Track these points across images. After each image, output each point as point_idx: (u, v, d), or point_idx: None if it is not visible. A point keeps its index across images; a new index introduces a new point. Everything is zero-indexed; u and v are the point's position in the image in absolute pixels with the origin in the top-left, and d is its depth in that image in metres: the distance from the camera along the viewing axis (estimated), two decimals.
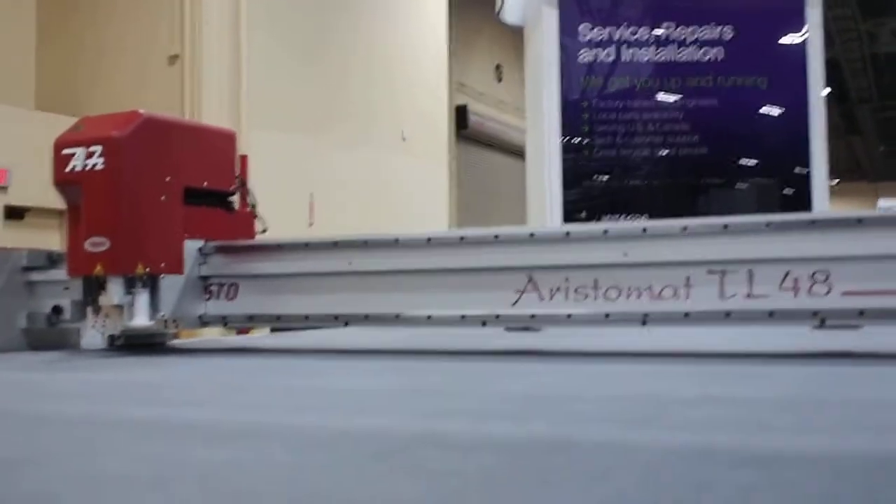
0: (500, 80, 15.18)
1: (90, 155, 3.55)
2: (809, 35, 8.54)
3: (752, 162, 8.60)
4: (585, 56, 8.39)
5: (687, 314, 3.13)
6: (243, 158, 8.78)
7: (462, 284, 3.34)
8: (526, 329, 3.40)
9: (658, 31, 8.49)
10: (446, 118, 11.64)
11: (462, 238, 3.37)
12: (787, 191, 8.51)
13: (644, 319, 3.18)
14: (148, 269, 3.57)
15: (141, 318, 3.55)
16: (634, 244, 3.18)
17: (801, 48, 8.57)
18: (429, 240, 3.39)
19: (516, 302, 3.29)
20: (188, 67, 8.15)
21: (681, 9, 8.52)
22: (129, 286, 3.55)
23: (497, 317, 3.31)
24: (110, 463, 1.49)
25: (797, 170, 8.34)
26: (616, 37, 8.43)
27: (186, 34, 8.14)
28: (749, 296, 3.09)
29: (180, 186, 3.77)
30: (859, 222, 2.99)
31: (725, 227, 3.11)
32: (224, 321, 3.82)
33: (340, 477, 1.35)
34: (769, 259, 3.07)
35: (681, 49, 8.53)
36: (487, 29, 12.09)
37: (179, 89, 8.15)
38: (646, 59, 8.47)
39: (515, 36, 9.52)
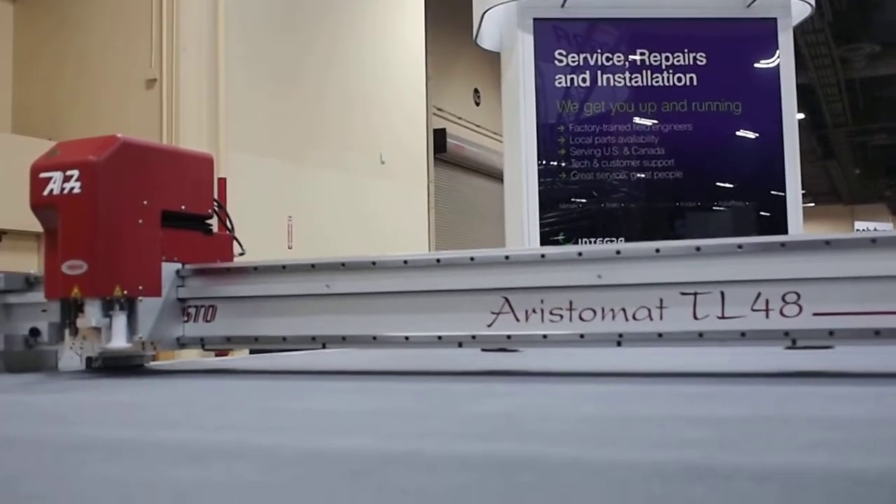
0: (478, 103, 15.22)
1: (67, 179, 3.55)
2: (782, 61, 8.60)
3: (727, 185, 8.63)
4: (561, 81, 8.41)
5: (660, 335, 3.15)
6: (221, 181, 8.79)
7: (439, 306, 3.34)
8: (502, 350, 3.41)
9: (633, 57, 8.53)
10: (424, 142, 11.67)
11: (439, 260, 3.38)
12: (763, 213, 8.54)
13: (619, 340, 3.19)
14: (125, 292, 3.57)
15: (118, 341, 3.53)
16: (608, 266, 3.20)
17: (774, 73, 8.62)
18: (405, 262, 3.40)
19: (492, 323, 3.30)
20: (166, 91, 8.14)
21: (655, 35, 8.56)
22: (107, 308, 3.54)
23: (473, 338, 3.31)
24: (78, 485, 1.48)
25: (772, 193, 8.42)
26: (591, 62, 8.46)
27: (164, 58, 8.14)
28: (721, 317, 3.11)
29: (158, 210, 3.77)
30: (827, 244, 3.01)
31: (698, 249, 3.13)
32: (202, 343, 3.81)
33: (311, 497, 1.35)
34: (741, 280, 3.09)
35: (655, 74, 8.57)
36: (465, 53, 12.19)
37: (158, 113, 8.14)
38: (621, 84, 8.50)
39: (493, 60, 9.56)
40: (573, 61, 8.43)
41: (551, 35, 8.43)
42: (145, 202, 3.71)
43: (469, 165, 14.55)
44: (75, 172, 3.54)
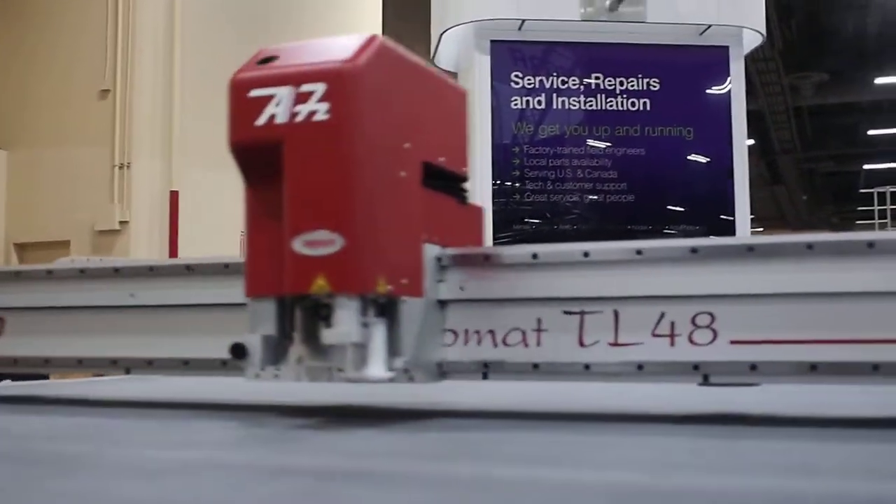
0: None
1: (302, 98, 1.99)
2: (733, 88, 7.85)
3: (678, 209, 7.86)
4: (517, 103, 7.61)
5: (536, 365, 2.14)
6: (174, 194, 7.83)
7: None
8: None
9: (588, 81, 7.74)
10: None
11: None
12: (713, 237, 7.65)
13: (484, 372, 2.18)
14: (390, 288, 2.03)
15: (377, 367, 1.99)
16: (472, 276, 2.20)
17: (725, 100, 7.86)
18: (227, 266, 2.39)
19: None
20: (119, 102, 7.20)
21: (610, 60, 7.80)
22: (362, 313, 2.00)
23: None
24: None
25: (722, 217, 7.67)
26: (547, 85, 7.66)
27: (119, 68, 7.21)
28: (614, 343, 2.11)
29: (419, 160, 2.19)
30: (751, 251, 2.02)
31: (586, 254, 2.14)
32: None
33: None
34: (640, 297, 2.09)
35: (610, 99, 7.79)
36: None
37: (111, 124, 7.19)
38: (576, 107, 7.72)
39: (450, 79, 8.64)
40: (529, 83, 7.66)
41: (508, 57, 7.66)
42: (407, 145, 2.15)
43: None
44: (318, 88, 1.98)
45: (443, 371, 2.19)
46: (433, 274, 2.18)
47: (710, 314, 2.04)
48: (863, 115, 19.85)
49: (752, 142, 16.59)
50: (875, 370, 1.89)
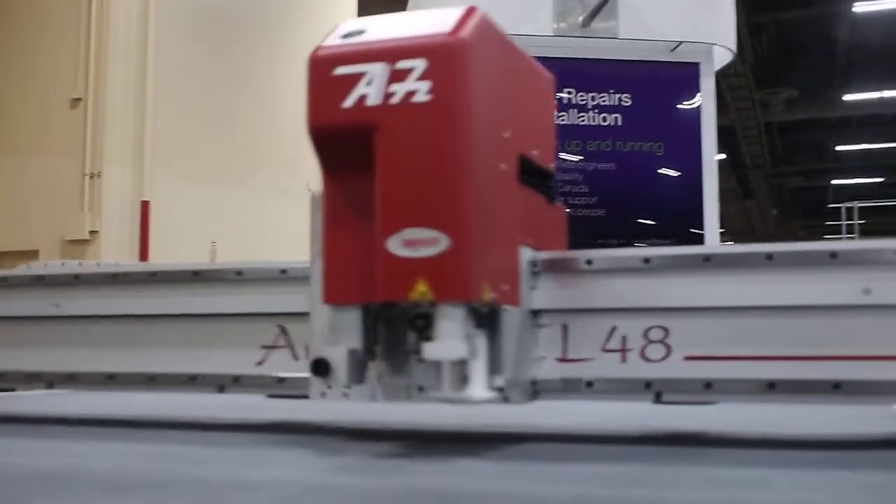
0: None
1: (399, 76, 1.68)
2: (703, 103, 7.69)
3: (649, 223, 7.72)
4: None
5: None
6: (145, 204, 7.61)
7: (194, 336, 2.16)
8: (294, 396, 2.20)
9: (560, 95, 7.60)
10: None
11: (196, 273, 2.19)
12: None
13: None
14: (494, 296, 1.75)
15: (479, 387, 1.69)
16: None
17: (695, 115, 7.72)
18: (154, 274, 2.20)
19: (263, 361, 2.11)
20: (91, 111, 6.98)
21: (582, 75, 7.66)
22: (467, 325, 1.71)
23: (236, 379, 2.12)
24: None
25: (692, 231, 7.54)
26: None
27: (91, 77, 6.99)
28: (562, 359, 1.94)
29: (517, 152, 1.91)
30: (707, 261, 1.86)
31: (534, 264, 1.96)
32: None
33: None
34: (589, 309, 1.92)
35: (581, 113, 7.65)
36: None
37: (82, 133, 6.97)
38: None
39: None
40: None
41: None
42: (507, 134, 1.85)
43: None
44: (417, 64, 1.68)
45: (536, 390, 1.93)
46: (527, 280, 1.92)
47: (664, 328, 1.88)
48: (831, 131, 19.83)
49: (723, 156, 16.53)
50: (835, 389, 1.72)
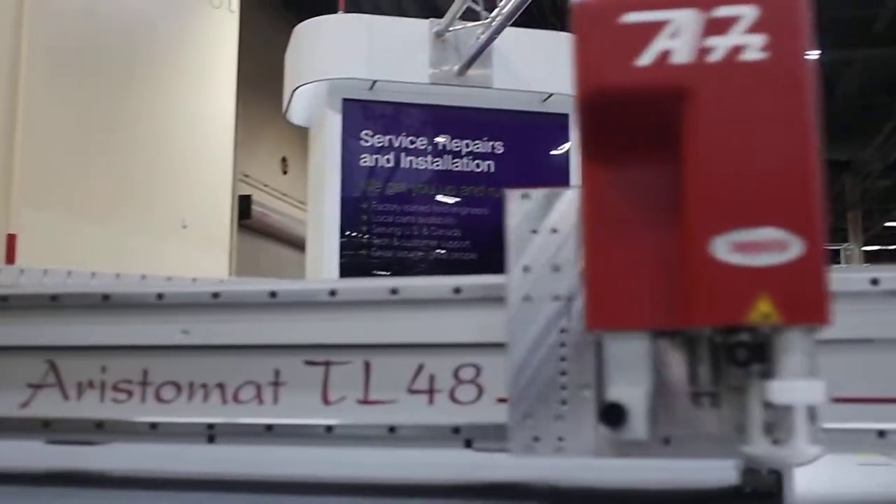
0: (285, 172, 13.39)
1: (717, 27, 1.23)
2: (573, 152, 7.63)
3: None
4: (367, 160, 7.27)
5: (270, 427, 1.64)
6: (11, 237, 7.01)
7: None
8: (81, 443, 1.82)
9: (436, 141, 7.44)
10: (229, 207, 9.90)
11: None
12: None
13: (210, 434, 1.66)
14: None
15: (805, 440, 1.22)
16: (199, 317, 1.69)
17: (565, 163, 7.65)
18: None
19: (28, 402, 1.74)
20: None
21: (457, 122, 7.53)
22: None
23: None
24: None
25: None
26: (396, 144, 7.35)
27: None
28: (364, 401, 1.63)
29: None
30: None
31: (333, 293, 1.66)
32: None
33: None
34: (395, 345, 1.63)
35: (456, 160, 7.50)
36: (276, 121, 10.01)
37: None
38: (423, 166, 7.43)
39: (302, 130, 8.22)
40: (379, 142, 7.35)
41: (359, 115, 7.34)
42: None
43: (273, 233, 12.60)
44: (744, 12, 1.22)
45: None
46: None
47: (476, 366, 1.59)
48: None
49: None
50: None
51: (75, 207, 7.41)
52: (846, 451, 1.50)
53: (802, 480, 1.50)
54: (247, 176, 11.88)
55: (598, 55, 1.26)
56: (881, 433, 1.51)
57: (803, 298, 1.18)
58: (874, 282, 1.52)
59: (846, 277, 1.26)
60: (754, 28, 1.22)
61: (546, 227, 1.50)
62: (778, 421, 1.21)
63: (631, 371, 1.29)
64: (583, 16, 1.28)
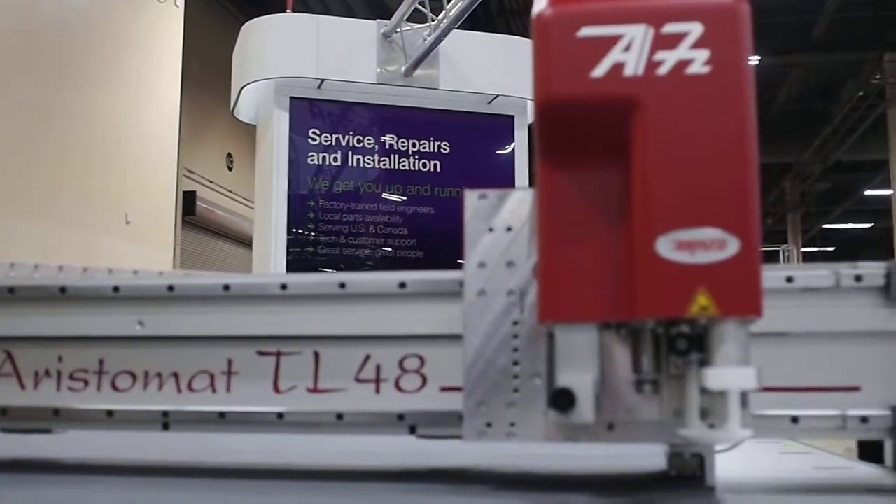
0: (230, 168, 13.27)
1: (665, 42, 1.33)
2: (517, 153, 7.79)
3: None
4: (314, 158, 7.32)
5: (222, 415, 1.71)
6: None
7: None
8: (35, 431, 1.86)
9: (383, 139, 7.52)
10: (173, 203, 9.80)
11: None
12: None
13: (164, 422, 1.73)
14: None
15: (735, 425, 1.31)
16: (155, 310, 1.75)
17: (509, 164, 7.78)
18: None
19: None
20: None
21: (404, 122, 7.62)
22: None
23: None
24: None
25: None
26: (343, 142, 7.41)
27: None
28: (314, 390, 1.71)
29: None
30: (462, 286, 1.68)
31: (284, 286, 1.74)
32: None
33: None
34: (344, 337, 1.71)
35: (402, 159, 7.59)
36: (221, 116, 9.85)
37: None
38: (370, 165, 7.50)
39: (248, 126, 8.21)
40: (326, 140, 7.41)
41: (307, 113, 7.39)
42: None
43: (218, 230, 12.43)
44: (691, 28, 1.33)
45: None
46: None
47: (420, 357, 1.68)
48: None
49: None
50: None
51: (9, 202, 7.29)
52: (765, 437, 1.62)
53: (723, 464, 1.62)
54: (192, 172, 11.79)
55: (556, 66, 1.34)
56: (794, 419, 1.63)
57: (738, 293, 1.28)
58: (789, 279, 1.64)
59: (764, 276, 1.38)
60: (699, 43, 1.31)
61: (500, 225, 1.58)
62: (713, 406, 1.31)
63: (579, 360, 1.38)
64: (542, 29, 1.35)
